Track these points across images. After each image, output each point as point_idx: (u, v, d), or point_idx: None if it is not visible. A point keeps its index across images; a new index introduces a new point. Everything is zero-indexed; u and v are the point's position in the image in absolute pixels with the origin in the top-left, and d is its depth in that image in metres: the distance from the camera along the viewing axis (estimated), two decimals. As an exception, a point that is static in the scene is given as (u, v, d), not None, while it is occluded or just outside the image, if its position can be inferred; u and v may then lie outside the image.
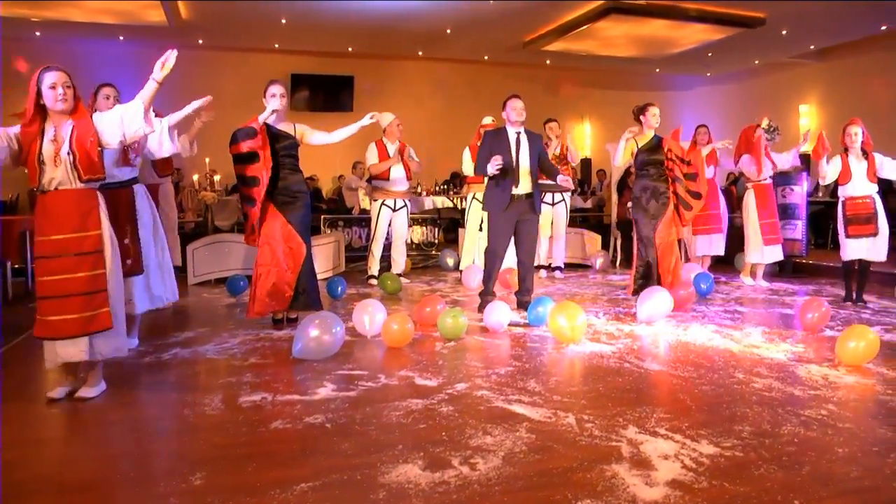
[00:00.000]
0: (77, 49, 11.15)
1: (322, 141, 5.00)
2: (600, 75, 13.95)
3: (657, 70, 13.57)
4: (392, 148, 7.08)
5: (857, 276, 5.87)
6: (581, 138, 14.37)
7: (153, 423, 3.17)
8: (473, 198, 7.42)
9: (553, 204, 7.59)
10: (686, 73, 14.02)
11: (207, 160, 8.64)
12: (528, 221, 5.46)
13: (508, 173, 5.30)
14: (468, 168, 7.34)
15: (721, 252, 7.40)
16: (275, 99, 4.76)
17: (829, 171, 5.71)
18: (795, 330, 4.79)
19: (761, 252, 6.89)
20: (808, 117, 12.28)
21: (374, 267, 7.19)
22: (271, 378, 3.72)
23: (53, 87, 3.20)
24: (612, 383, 3.54)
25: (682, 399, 3.29)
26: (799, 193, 7.74)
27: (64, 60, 10.71)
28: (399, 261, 7.34)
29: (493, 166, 5.15)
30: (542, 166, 5.52)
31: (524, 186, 5.38)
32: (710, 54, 11.69)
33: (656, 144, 5.86)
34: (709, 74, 13.90)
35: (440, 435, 2.83)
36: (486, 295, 5.55)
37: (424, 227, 8.86)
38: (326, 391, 3.46)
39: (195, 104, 3.84)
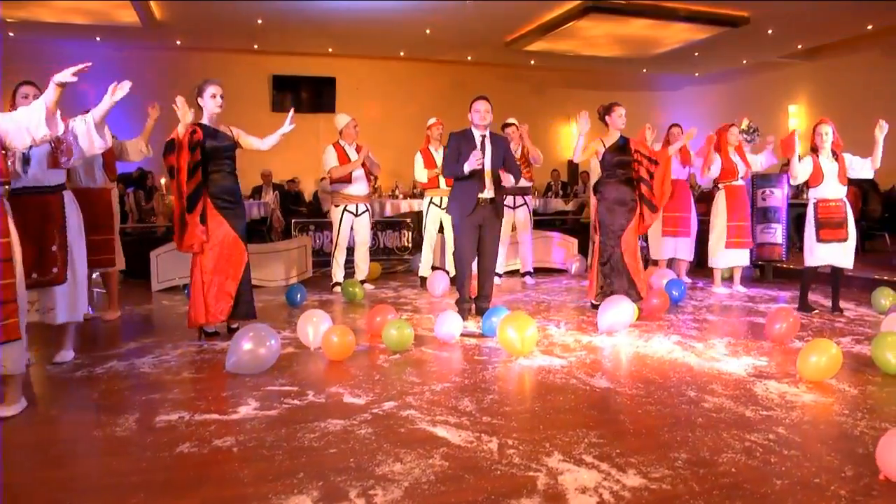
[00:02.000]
0: (52, 50, 10.95)
1: (255, 146, 4.81)
2: (587, 75, 13.73)
3: (644, 70, 13.36)
4: (351, 150, 6.87)
5: (832, 284, 5.64)
6: (568, 139, 14.16)
7: (59, 446, 2.96)
8: (430, 203, 7.17)
9: (514, 207, 7.37)
10: (674, 73, 13.80)
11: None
12: (491, 227, 5.30)
13: (475, 177, 5.15)
14: (420, 174, 7.12)
15: (688, 257, 7.19)
16: (214, 100, 4.56)
17: (799, 170, 5.47)
18: (763, 341, 4.57)
19: (724, 255, 6.64)
20: (797, 117, 12.05)
21: (338, 274, 6.98)
22: (196, 395, 3.54)
23: None
24: (551, 402, 3.34)
25: (620, 421, 3.08)
26: (779, 196, 7.51)
27: (39, 61, 10.62)
28: (363, 267, 7.13)
29: (473, 163, 5.00)
30: (509, 168, 5.32)
31: (489, 190, 5.23)
32: (696, 54, 11.47)
33: (623, 145, 5.65)
34: (697, 74, 13.68)
35: (347, 461, 2.64)
36: (463, 303, 5.35)
37: (398, 231, 8.64)
38: (247, 410, 3.27)
39: (116, 95, 3.64)
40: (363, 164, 6.80)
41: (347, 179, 6.83)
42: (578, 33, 10.20)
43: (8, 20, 9.55)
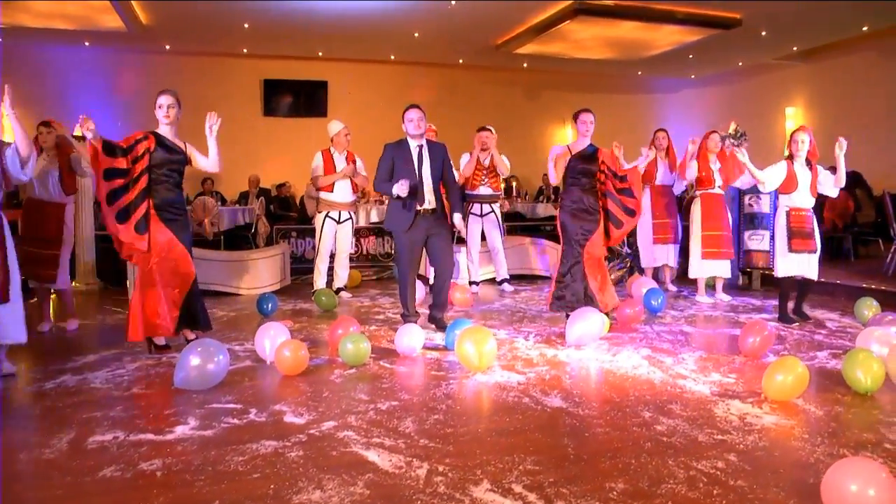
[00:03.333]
0: (43, 55, 10.97)
1: (202, 165, 4.74)
2: (581, 78, 13.57)
3: (639, 73, 13.19)
4: (340, 159, 6.79)
5: (798, 293, 5.51)
6: (563, 143, 13.98)
7: None
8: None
9: (482, 215, 7.24)
10: (669, 76, 13.61)
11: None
12: (438, 236, 5.19)
13: (417, 193, 5.05)
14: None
15: (672, 263, 7.06)
16: (160, 111, 4.47)
17: (769, 177, 5.31)
18: (736, 356, 4.42)
19: (701, 266, 6.47)
20: (794, 120, 11.84)
21: (319, 281, 6.89)
22: (139, 412, 3.45)
23: None
24: (497, 423, 3.22)
25: (563, 445, 2.95)
26: (766, 202, 7.32)
27: (30, 66, 10.61)
28: (341, 274, 7.06)
29: (400, 190, 4.91)
30: (444, 179, 5.25)
31: (429, 202, 5.13)
32: (690, 56, 11.30)
33: (591, 154, 5.51)
34: (693, 77, 13.49)
35: (267, 488, 2.53)
36: (409, 317, 5.25)
37: (382, 238, 8.53)
38: (184, 429, 3.18)
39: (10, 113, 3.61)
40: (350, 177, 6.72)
41: (329, 188, 6.76)
42: (568, 36, 10.06)
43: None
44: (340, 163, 6.79)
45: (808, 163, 5.30)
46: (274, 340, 4.29)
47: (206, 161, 4.70)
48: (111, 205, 4.27)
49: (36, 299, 5.58)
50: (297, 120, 12.68)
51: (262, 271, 7.30)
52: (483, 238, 7.39)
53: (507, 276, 7.46)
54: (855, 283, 6.67)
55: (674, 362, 4.29)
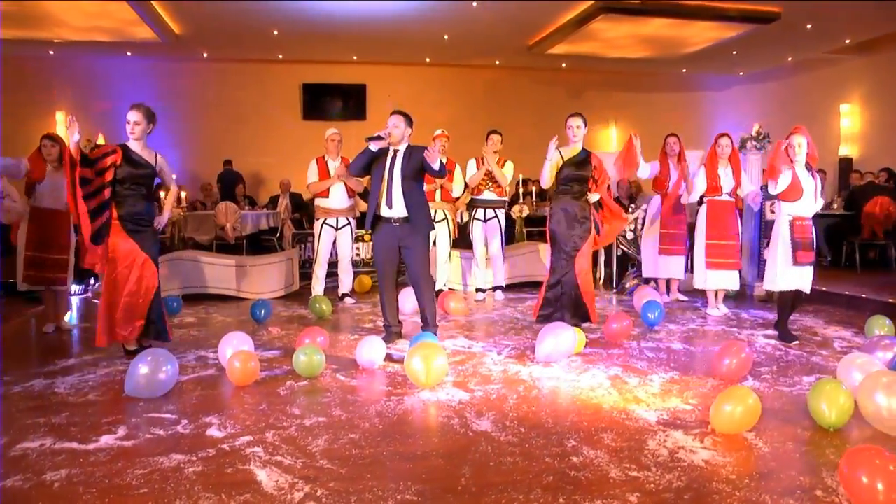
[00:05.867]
0: (91, 66, 11.55)
1: (165, 184, 4.85)
2: (623, 77, 13.16)
3: (684, 70, 12.66)
4: (334, 165, 6.80)
5: (789, 308, 5.14)
6: (607, 144, 13.62)
7: None
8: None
9: (485, 220, 7.07)
10: (716, 73, 13.00)
11: (174, 176, 8.61)
12: (411, 249, 4.94)
13: (377, 190, 4.91)
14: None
15: (679, 275, 6.71)
16: (127, 126, 4.57)
17: (779, 183, 4.95)
18: (710, 379, 4.13)
19: (705, 277, 6.10)
20: (849, 117, 11.09)
21: (317, 288, 6.92)
22: (79, 419, 3.52)
23: None
24: (407, 447, 3.12)
25: (460, 475, 2.80)
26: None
27: (78, 76, 11.22)
28: (345, 280, 7.06)
29: (380, 141, 4.78)
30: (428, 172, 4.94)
31: (398, 209, 4.88)
32: (734, 52, 10.74)
33: (583, 159, 5.30)
34: (741, 73, 12.84)
35: (143, 507, 2.53)
36: (389, 326, 5.17)
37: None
38: (108, 439, 3.24)
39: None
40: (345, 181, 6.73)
41: (325, 195, 6.78)
42: (598, 35, 9.77)
43: (55, 40, 10.07)
44: (334, 170, 6.78)
45: (809, 167, 4.91)
46: (237, 349, 4.31)
47: (167, 185, 4.86)
48: (87, 201, 4.38)
49: (43, 305, 5.84)
50: (336, 123, 12.83)
51: (268, 276, 7.39)
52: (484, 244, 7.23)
53: (503, 284, 7.30)
54: (883, 298, 6.15)
55: (638, 384, 4.05)
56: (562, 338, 4.55)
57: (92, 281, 7.17)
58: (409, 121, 5.00)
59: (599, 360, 4.63)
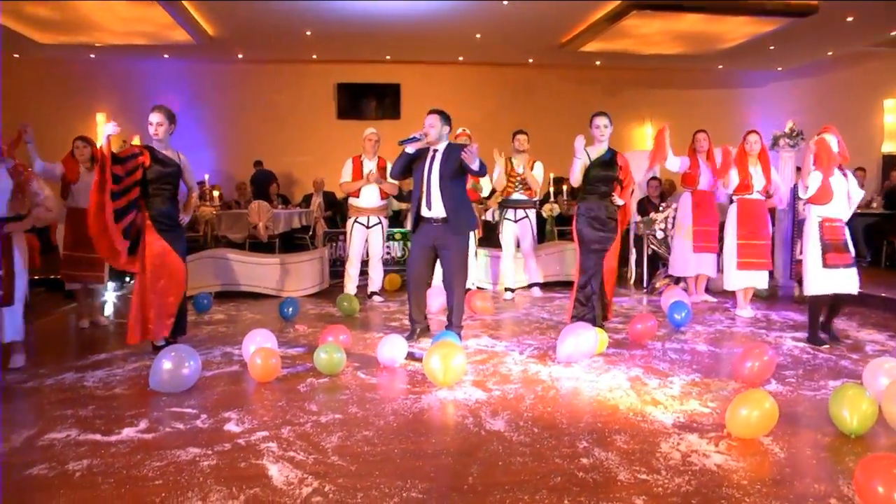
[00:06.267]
0: (130, 68, 11.88)
1: (186, 183, 4.92)
2: (659, 74, 12.96)
3: (720, 66, 12.40)
4: (369, 164, 6.85)
5: (829, 310, 5.00)
6: (643, 141, 13.43)
7: None
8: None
9: (516, 220, 7.04)
10: (754, 69, 12.71)
11: (207, 176, 8.83)
12: (447, 249, 4.94)
13: (419, 191, 4.92)
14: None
15: (711, 273, 6.58)
16: (150, 127, 4.67)
17: (809, 183, 4.82)
18: (732, 382, 4.05)
19: (735, 277, 5.98)
20: (893, 113, 10.73)
21: (349, 286, 6.99)
22: (104, 412, 3.64)
23: None
24: (418, 445, 3.14)
25: (468, 474, 2.82)
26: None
27: (118, 78, 11.51)
28: (375, 279, 7.12)
29: (416, 141, 4.79)
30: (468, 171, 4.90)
31: (437, 209, 4.89)
32: (772, 47, 10.49)
33: (609, 159, 5.24)
34: (780, 69, 12.51)
35: (158, 496, 2.63)
36: (413, 323, 5.19)
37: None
38: (130, 432, 3.34)
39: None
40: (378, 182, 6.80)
41: (356, 194, 6.85)
42: (631, 31, 9.65)
43: (96, 44, 10.38)
44: (369, 169, 6.84)
45: (840, 168, 4.77)
46: (258, 346, 4.39)
47: (188, 185, 4.93)
48: (114, 200, 4.49)
49: (76, 302, 6.01)
50: (371, 123, 12.93)
51: (299, 274, 7.48)
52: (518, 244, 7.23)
53: (540, 281, 7.30)
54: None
55: (657, 386, 4.00)
56: (583, 338, 4.52)
57: (127, 279, 7.37)
58: (447, 119, 4.97)
59: (621, 360, 4.59)
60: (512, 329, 5.69)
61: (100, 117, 11.45)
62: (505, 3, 8.78)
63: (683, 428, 3.30)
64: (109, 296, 6.04)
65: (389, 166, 6.84)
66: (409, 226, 5.10)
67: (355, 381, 4.19)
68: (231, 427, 3.37)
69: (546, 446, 3.10)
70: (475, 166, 4.73)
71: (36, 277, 7.09)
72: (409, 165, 4.96)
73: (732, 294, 6.29)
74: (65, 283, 5.81)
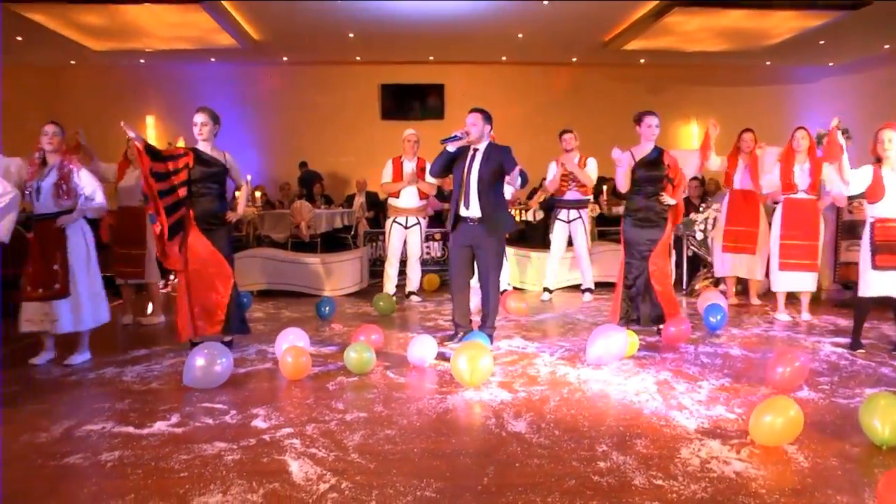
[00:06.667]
0: (178, 72, 12.26)
1: (233, 180, 5.00)
2: (705, 71, 12.70)
3: (768, 63, 12.07)
4: (409, 165, 6.92)
5: (864, 314, 4.81)
6: (688, 140, 13.19)
7: None
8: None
9: (569, 221, 6.99)
10: (804, 64, 12.32)
11: (249, 177, 9.00)
12: (482, 249, 4.95)
13: (458, 192, 4.92)
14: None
15: (755, 276, 6.40)
16: (195, 128, 4.80)
17: (855, 179, 4.66)
18: (764, 387, 3.96)
19: (779, 279, 5.81)
20: (954, 111, 10.23)
21: (388, 286, 7.06)
22: (139, 406, 3.77)
23: None
24: (438, 444, 3.17)
25: (483, 474, 2.83)
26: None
27: (166, 82, 11.91)
28: (413, 278, 7.18)
29: (457, 139, 4.80)
30: (508, 171, 4.87)
31: (474, 209, 4.89)
32: (822, 42, 10.15)
33: (655, 158, 5.16)
34: (831, 64, 12.10)
35: (182, 488, 2.73)
36: (457, 327, 5.19)
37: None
38: (161, 425, 3.46)
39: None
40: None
41: (395, 195, 6.93)
42: (674, 29, 9.49)
43: (146, 49, 10.76)
44: (409, 169, 6.90)
45: None
46: (290, 345, 4.49)
47: (234, 182, 5.01)
48: (163, 198, 4.65)
49: (122, 300, 6.24)
50: (415, 123, 13.03)
51: (338, 274, 7.59)
52: (570, 244, 7.18)
53: (591, 287, 7.16)
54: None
55: (685, 390, 3.94)
56: (612, 340, 4.48)
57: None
58: (488, 118, 4.95)
59: (652, 364, 4.53)
60: (545, 330, 5.67)
61: (150, 119, 11.86)
62: (545, 2, 8.75)
63: (706, 434, 3.25)
64: (155, 293, 6.21)
65: (429, 166, 6.93)
66: (448, 225, 5.11)
67: (384, 380, 4.24)
68: (258, 423, 3.46)
69: (564, 449, 3.09)
70: (516, 184, 4.86)
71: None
72: (450, 164, 4.98)
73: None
74: (114, 279, 6.03)
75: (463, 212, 4.94)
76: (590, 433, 3.28)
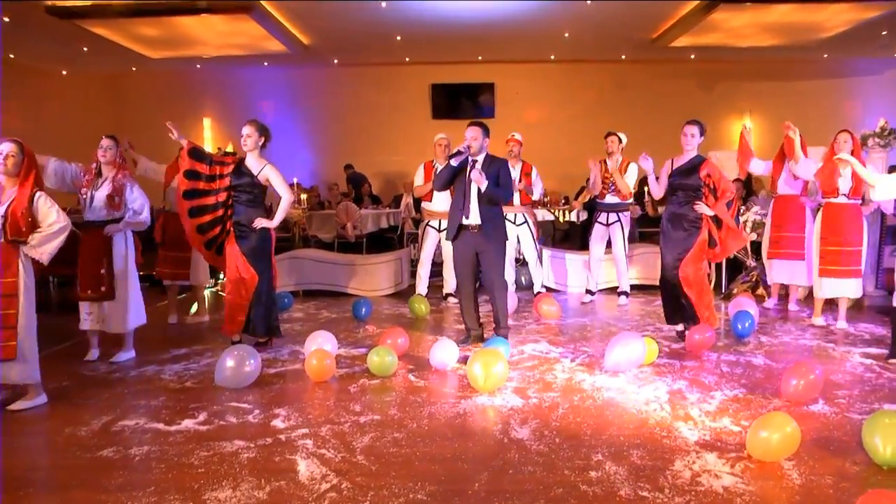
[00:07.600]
0: (233, 77, 12.74)
1: (276, 191, 5.16)
2: (758, 65, 12.32)
3: (825, 56, 11.62)
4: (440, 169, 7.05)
5: None
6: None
7: (19, 438, 3.56)
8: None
9: (607, 224, 6.98)
10: (865, 56, 11.80)
11: (295, 179, 9.31)
12: (485, 252, 5.15)
13: (458, 200, 5.14)
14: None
15: (804, 282, 6.23)
16: (241, 139, 5.06)
17: (878, 182, 4.52)
18: (777, 399, 3.93)
19: (820, 284, 5.67)
20: None
21: (420, 287, 7.20)
22: (172, 403, 4.05)
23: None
24: (440, 449, 3.31)
25: (475, 480, 2.96)
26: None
27: (221, 86, 12.35)
28: (450, 280, 7.28)
29: (459, 156, 5.00)
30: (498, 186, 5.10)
31: (474, 217, 5.11)
32: (884, 32, 9.73)
33: (691, 168, 5.14)
34: (896, 56, 11.58)
35: (197, 483, 2.97)
36: (468, 330, 5.36)
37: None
38: (189, 423, 3.72)
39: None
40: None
41: (428, 198, 7.07)
42: (720, 25, 9.27)
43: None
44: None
45: None
46: (318, 347, 4.70)
47: (278, 192, 5.16)
48: (187, 199, 4.99)
49: (167, 301, 6.59)
50: (465, 122, 13.10)
51: (377, 275, 7.79)
52: (608, 247, 7.19)
53: (627, 290, 7.14)
54: None
55: (696, 400, 3.95)
56: (630, 347, 4.52)
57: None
58: (487, 132, 5.17)
59: (669, 372, 4.54)
60: (572, 335, 5.70)
61: (206, 122, 12.39)
62: (588, 2, 8.71)
63: (705, 446, 3.28)
64: (202, 293, 6.52)
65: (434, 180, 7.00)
66: (448, 235, 5.30)
67: (405, 383, 4.40)
68: (277, 423, 3.68)
69: (561, 457, 3.18)
70: (483, 188, 4.97)
71: (141, 274, 7.81)
72: (454, 178, 5.19)
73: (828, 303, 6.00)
74: (161, 280, 6.38)
75: (464, 220, 5.14)
76: (589, 442, 3.36)
